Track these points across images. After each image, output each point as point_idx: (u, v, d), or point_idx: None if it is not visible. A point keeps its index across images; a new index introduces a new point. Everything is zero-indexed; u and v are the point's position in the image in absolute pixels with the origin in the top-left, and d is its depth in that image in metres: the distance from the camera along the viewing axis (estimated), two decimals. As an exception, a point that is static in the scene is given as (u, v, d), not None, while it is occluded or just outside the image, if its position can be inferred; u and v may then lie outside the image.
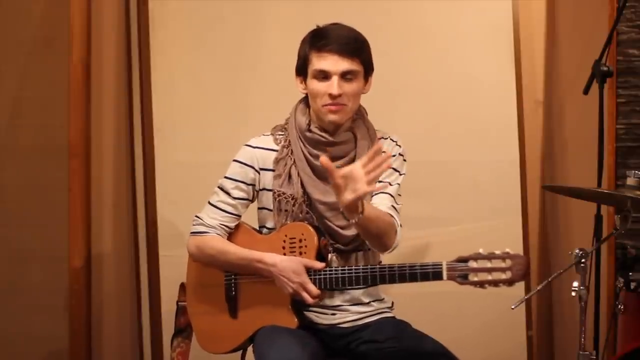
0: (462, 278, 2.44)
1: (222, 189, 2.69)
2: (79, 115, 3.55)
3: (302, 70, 2.66)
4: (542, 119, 3.64)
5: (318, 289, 2.55)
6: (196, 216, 2.72)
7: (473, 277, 2.43)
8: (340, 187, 2.37)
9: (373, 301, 2.70)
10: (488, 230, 3.52)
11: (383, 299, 2.74)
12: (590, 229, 3.11)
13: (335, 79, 2.57)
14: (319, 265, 2.56)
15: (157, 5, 3.59)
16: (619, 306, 2.94)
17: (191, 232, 2.72)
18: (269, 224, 2.68)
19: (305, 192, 2.63)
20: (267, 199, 2.67)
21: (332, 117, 2.60)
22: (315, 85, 2.60)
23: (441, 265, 2.45)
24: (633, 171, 2.84)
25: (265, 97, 3.51)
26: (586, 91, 3.13)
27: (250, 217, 2.74)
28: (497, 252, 2.44)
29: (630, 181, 2.82)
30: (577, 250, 2.50)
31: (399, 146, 2.69)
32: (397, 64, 3.47)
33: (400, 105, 3.52)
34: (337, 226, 2.61)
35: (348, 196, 2.36)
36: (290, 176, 2.64)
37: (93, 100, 3.62)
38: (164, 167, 3.59)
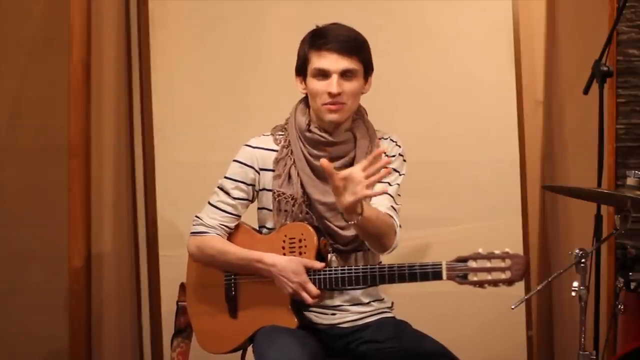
0: (462, 278, 2.44)
1: (222, 189, 2.69)
2: (79, 115, 3.56)
3: (301, 70, 2.65)
4: (542, 119, 3.64)
5: (318, 289, 2.55)
6: (196, 216, 2.72)
7: (472, 277, 2.43)
8: (339, 189, 2.37)
9: (373, 301, 2.70)
10: (488, 230, 3.52)
11: (383, 299, 2.74)
12: (590, 229, 3.11)
13: (334, 77, 2.57)
14: (319, 265, 2.56)
15: (157, 5, 3.59)
16: (619, 306, 2.94)
17: (191, 232, 2.71)
18: (269, 224, 2.68)
19: (305, 192, 2.63)
20: (267, 199, 2.67)
21: (331, 116, 2.60)
22: (314, 84, 2.60)
23: (441, 265, 2.45)
24: (633, 171, 2.84)
25: (265, 97, 3.51)
26: (586, 91, 3.13)
27: (250, 217, 2.74)
28: (497, 251, 2.44)
29: (630, 181, 2.82)
30: (577, 250, 2.50)
31: (399, 146, 2.69)
32: (397, 64, 3.47)
33: (400, 105, 3.52)
34: (337, 226, 2.61)
35: (347, 198, 2.36)
36: (290, 176, 2.64)
37: (93, 100, 3.62)
38: (164, 167, 3.59)
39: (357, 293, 2.66)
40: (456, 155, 3.54)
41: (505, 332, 3.53)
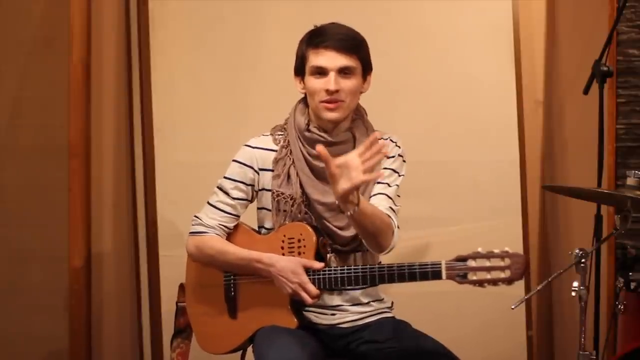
0: (461, 277, 2.44)
1: (221, 189, 2.69)
2: (79, 115, 3.56)
3: (300, 69, 2.66)
4: (542, 119, 3.64)
5: (317, 289, 2.55)
6: (195, 216, 2.72)
7: (472, 276, 2.43)
8: (335, 176, 2.36)
9: (372, 301, 2.70)
10: (488, 230, 3.52)
11: (382, 299, 2.74)
12: (590, 229, 3.11)
13: (332, 75, 2.57)
14: (318, 265, 2.56)
15: (157, 5, 3.59)
16: (619, 306, 2.94)
17: (190, 232, 2.71)
18: (268, 224, 2.68)
19: (304, 193, 2.62)
20: (266, 199, 2.67)
21: (330, 114, 2.60)
22: (312, 82, 2.60)
23: (440, 264, 2.45)
24: (633, 171, 2.84)
25: (265, 97, 3.51)
26: (586, 91, 3.13)
27: (250, 217, 2.74)
28: (496, 251, 2.43)
29: (630, 181, 2.82)
30: (577, 250, 2.50)
31: (399, 147, 2.68)
32: (397, 64, 3.48)
33: (400, 105, 3.52)
34: (336, 227, 2.61)
35: (344, 185, 2.35)
36: (289, 176, 2.64)
37: (93, 100, 3.62)
38: (164, 167, 3.59)
39: (357, 293, 2.66)
40: (456, 155, 3.54)
41: (505, 332, 3.53)
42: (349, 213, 2.41)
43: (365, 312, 2.68)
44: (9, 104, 3.67)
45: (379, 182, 2.62)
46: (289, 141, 2.67)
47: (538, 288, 2.61)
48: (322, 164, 2.44)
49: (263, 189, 2.68)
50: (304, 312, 2.63)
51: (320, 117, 2.62)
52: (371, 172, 2.36)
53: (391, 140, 2.69)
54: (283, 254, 2.59)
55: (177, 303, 2.84)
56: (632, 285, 2.89)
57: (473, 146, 3.54)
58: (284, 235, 2.61)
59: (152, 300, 3.61)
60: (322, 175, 2.55)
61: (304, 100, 2.71)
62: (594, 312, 3.18)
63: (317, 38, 2.60)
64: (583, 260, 2.49)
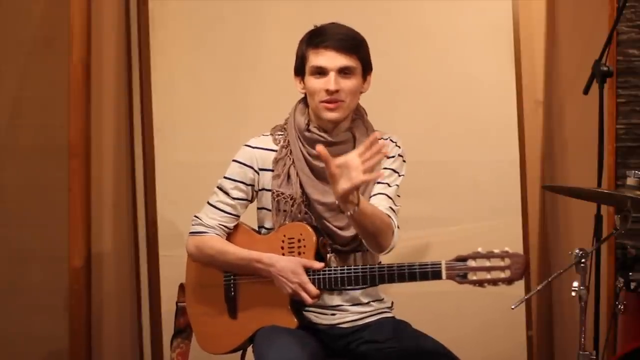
0: (461, 277, 2.43)
1: (221, 189, 2.69)
2: (79, 115, 3.56)
3: (300, 70, 2.66)
4: (542, 119, 3.64)
5: (317, 289, 2.55)
6: (195, 216, 2.71)
7: (472, 276, 2.43)
8: (335, 176, 2.36)
9: (372, 301, 2.70)
10: (488, 230, 3.52)
11: (382, 299, 2.74)
12: (590, 229, 3.11)
13: (332, 75, 2.57)
14: (318, 265, 2.56)
15: (157, 5, 3.59)
16: (619, 306, 2.94)
17: (190, 232, 2.71)
18: (268, 224, 2.68)
19: (304, 193, 2.62)
20: (266, 199, 2.67)
21: (330, 114, 2.60)
22: (312, 82, 2.60)
23: (440, 264, 2.45)
24: (633, 171, 2.84)
25: (265, 97, 3.51)
26: (586, 91, 3.13)
27: (249, 217, 2.74)
28: (496, 250, 2.43)
29: (630, 181, 2.82)
30: (577, 250, 2.50)
31: (399, 147, 2.68)
32: (397, 64, 3.48)
33: (400, 105, 3.52)
34: (336, 227, 2.61)
35: (344, 185, 2.35)
36: (289, 176, 2.64)
37: (93, 100, 3.62)
38: (164, 167, 3.59)
39: (357, 293, 2.66)
40: (456, 155, 3.54)
41: (505, 332, 3.53)
42: (349, 213, 2.41)
43: (365, 312, 2.68)
44: (9, 104, 3.67)
45: (379, 182, 2.62)
46: (288, 141, 2.67)
47: (538, 288, 2.60)
48: (322, 164, 2.44)
49: (263, 189, 2.68)
50: (304, 312, 2.63)
51: (320, 117, 2.62)
52: (371, 172, 2.36)
53: (391, 140, 2.69)
54: (283, 254, 2.59)
55: (177, 303, 2.84)
56: (632, 285, 2.89)
57: (473, 146, 3.54)
58: (284, 235, 2.61)
59: (152, 300, 3.61)
60: (322, 175, 2.55)
61: (304, 100, 2.71)
62: (594, 312, 3.18)
63: (317, 38, 2.60)
64: (583, 260, 2.49)
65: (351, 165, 2.35)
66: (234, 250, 2.65)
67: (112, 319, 3.68)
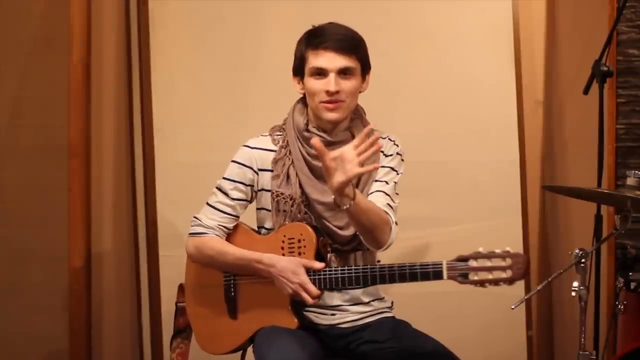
0: (463, 277, 2.44)
1: (220, 189, 2.69)
2: (79, 115, 3.56)
3: (299, 70, 2.65)
4: (542, 119, 3.64)
5: (318, 289, 2.55)
6: (194, 217, 2.71)
7: (473, 276, 2.43)
8: (331, 169, 2.37)
9: (373, 300, 2.70)
10: (488, 230, 3.52)
11: (383, 297, 2.73)
12: (590, 229, 3.11)
13: (332, 76, 2.57)
14: (318, 265, 2.56)
15: (157, 5, 3.59)
16: (619, 306, 2.94)
17: (190, 233, 2.71)
18: (268, 225, 2.68)
19: (303, 192, 2.62)
20: (266, 200, 2.67)
21: (330, 115, 2.60)
22: (312, 83, 2.60)
23: (441, 264, 2.45)
24: (633, 171, 2.84)
25: (265, 97, 3.51)
26: (586, 91, 3.13)
27: (249, 217, 2.74)
28: (497, 250, 2.43)
29: (630, 181, 2.82)
30: (577, 250, 2.50)
31: (397, 145, 2.68)
32: (397, 64, 3.48)
33: (400, 105, 3.52)
34: (335, 226, 2.61)
35: (339, 178, 2.36)
36: (288, 176, 2.64)
37: (93, 100, 3.62)
38: (164, 167, 3.59)
39: (357, 292, 2.66)
40: (456, 155, 3.54)
41: (506, 332, 3.53)
42: (345, 207, 2.41)
43: (365, 312, 2.68)
44: (9, 104, 3.67)
45: (376, 180, 2.63)
46: (287, 141, 2.67)
47: (538, 288, 2.60)
48: (321, 164, 2.44)
49: (262, 190, 2.68)
50: (304, 312, 2.63)
51: (320, 118, 2.62)
52: (366, 164, 2.37)
53: (389, 139, 2.69)
54: (283, 254, 2.59)
55: (176, 303, 2.84)
56: (632, 285, 2.89)
57: (473, 146, 3.54)
58: (284, 236, 2.60)
59: (152, 300, 3.61)
60: (321, 175, 2.54)
61: (303, 101, 2.71)
62: (594, 312, 3.18)
63: (316, 39, 2.60)
64: (583, 260, 2.49)
65: (346, 157, 2.36)
66: (234, 251, 2.65)
67: (112, 319, 3.68)
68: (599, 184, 3.12)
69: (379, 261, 2.71)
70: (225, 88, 3.58)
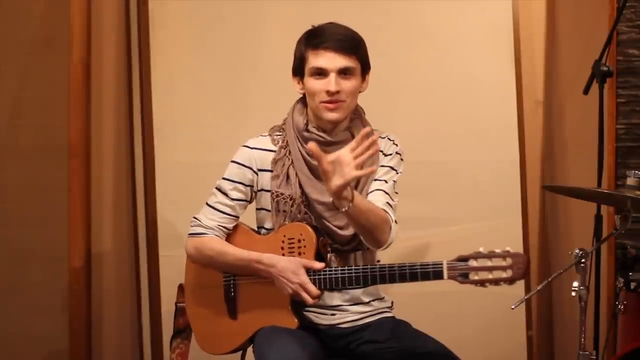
0: (463, 277, 2.43)
1: (220, 190, 2.69)
2: (79, 115, 3.56)
3: (298, 70, 2.65)
4: (542, 119, 3.64)
5: (318, 289, 2.55)
6: (194, 217, 2.71)
7: (474, 276, 2.43)
8: (328, 173, 2.37)
9: (373, 300, 2.70)
10: (488, 230, 3.52)
11: (383, 297, 2.73)
12: (590, 229, 3.11)
13: (332, 76, 2.57)
14: (319, 265, 2.56)
15: (157, 5, 3.59)
16: (619, 306, 2.94)
17: (189, 234, 2.71)
18: (268, 225, 2.68)
19: (303, 193, 2.62)
20: (266, 200, 2.67)
21: (330, 115, 2.60)
22: (312, 83, 2.60)
23: (442, 264, 2.45)
24: (633, 171, 2.84)
25: (265, 97, 3.51)
26: (586, 91, 3.13)
27: (249, 217, 2.74)
28: (498, 250, 2.43)
29: (630, 181, 2.82)
30: (577, 250, 2.50)
31: (396, 145, 2.69)
32: (397, 64, 3.48)
33: (400, 105, 3.52)
34: (335, 226, 2.61)
35: (336, 181, 2.36)
36: (288, 176, 2.64)
37: (93, 100, 3.62)
38: (164, 167, 3.59)
39: (358, 292, 2.66)
40: (456, 155, 3.54)
41: (506, 332, 3.53)
42: (343, 209, 2.41)
43: (365, 312, 2.68)
44: (9, 104, 3.67)
45: (375, 180, 2.63)
46: (287, 141, 2.67)
47: (538, 288, 2.60)
48: (320, 164, 2.44)
49: (262, 190, 2.68)
50: (304, 312, 2.63)
51: (320, 118, 2.62)
52: (363, 167, 2.36)
53: (389, 138, 2.69)
54: (283, 255, 2.59)
55: (176, 304, 2.84)
56: (632, 285, 2.89)
57: (473, 146, 3.54)
58: (284, 236, 2.60)
59: (152, 300, 3.61)
60: (321, 175, 2.54)
61: (302, 101, 2.71)
62: (594, 312, 3.18)
63: (316, 39, 2.60)
64: (583, 260, 2.49)
65: (343, 161, 2.36)
66: (234, 251, 2.64)
67: (112, 319, 3.68)
68: (599, 184, 3.12)
69: (378, 261, 2.71)
70: (225, 88, 3.58)
